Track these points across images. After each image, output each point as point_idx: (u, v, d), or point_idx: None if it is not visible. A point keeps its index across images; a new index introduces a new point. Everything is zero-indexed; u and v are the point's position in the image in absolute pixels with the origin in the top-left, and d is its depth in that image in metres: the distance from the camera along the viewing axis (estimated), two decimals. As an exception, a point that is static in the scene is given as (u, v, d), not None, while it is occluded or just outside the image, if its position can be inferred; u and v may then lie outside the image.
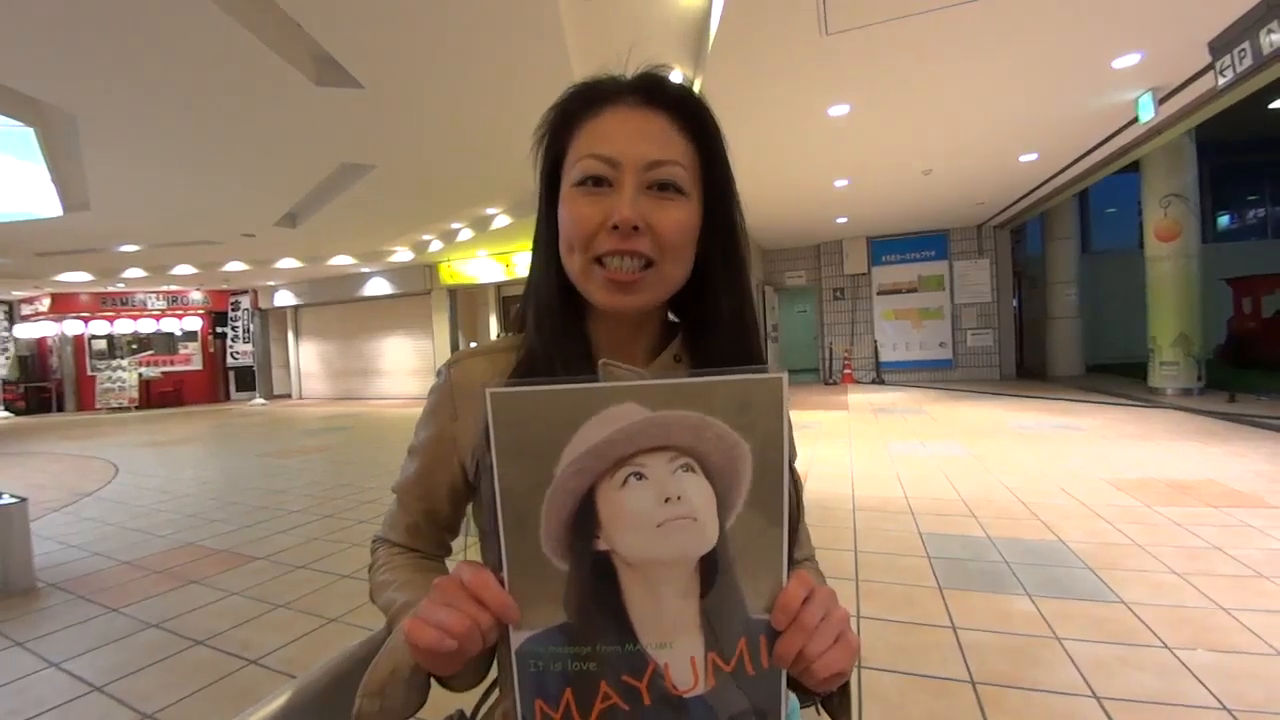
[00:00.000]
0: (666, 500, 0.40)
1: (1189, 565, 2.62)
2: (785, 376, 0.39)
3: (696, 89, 4.76)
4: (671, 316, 0.67)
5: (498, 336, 0.70)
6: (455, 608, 0.42)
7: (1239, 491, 3.65)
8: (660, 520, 0.40)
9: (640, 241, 0.54)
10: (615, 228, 0.53)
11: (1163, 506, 3.43)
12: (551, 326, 0.59)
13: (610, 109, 0.57)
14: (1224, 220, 15.62)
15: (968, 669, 1.92)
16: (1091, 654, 1.96)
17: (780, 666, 0.42)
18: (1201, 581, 2.45)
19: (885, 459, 5.07)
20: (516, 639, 0.42)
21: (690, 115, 0.57)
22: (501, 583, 0.42)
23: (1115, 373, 10.80)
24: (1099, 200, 15.21)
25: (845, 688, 0.52)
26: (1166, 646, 1.98)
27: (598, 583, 0.41)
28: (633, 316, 0.59)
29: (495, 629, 0.42)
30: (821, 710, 0.55)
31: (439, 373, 0.66)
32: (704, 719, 0.42)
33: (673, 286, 0.58)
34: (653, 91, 0.57)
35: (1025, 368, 11.95)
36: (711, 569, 0.41)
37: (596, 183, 0.54)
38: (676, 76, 0.59)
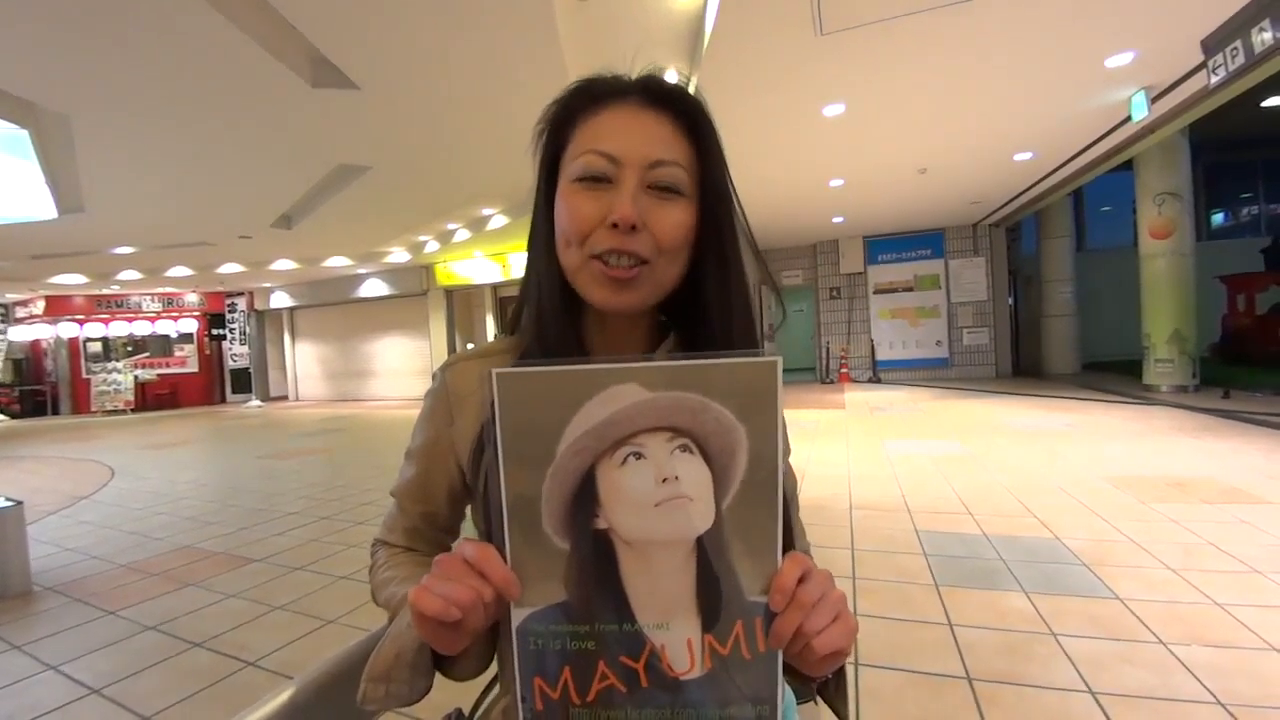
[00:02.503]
0: (664, 480, 0.41)
1: (1184, 561, 2.64)
2: (779, 360, 0.40)
3: (692, 89, 4.78)
4: (661, 317, 0.67)
5: (495, 338, 0.70)
6: (458, 580, 0.42)
7: (1234, 488, 3.67)
8: (658, 500, 0.41)
9: (638, 241, 0.54)
10: (615, 226, 0.53)
11: (1158, 503, 3.45)
12: (549, 327, 0.60)
13: (613, 106, 0.57)
14: (1218, 218, 15.70)
15: (964, 666, 1.93)
16: (1087, 650, 1.97)
17: (776, 646, 0.42)
18: (1197, 577, 2.47)
19: (882, 457, 5.08)
20: (517, 616, 0.43)
21: (690, 118, 0.58)
22: (504, 559, 0.43)
23: (1110, 370, 10.84)
24: (1094, 199, 15.29)
25: (841, 675, 0.53)
26: (1162, 642, 1.99)
27: (597, 561, 0.42)
28: (627, 316, 0.60)
29: (497, 603, 0.43)
30: (819, 700, 0.55)
31: (434, 377, 0.67)
32: (700, 702, 0.43)
33: (667, 286, 0.58)
34: (656, 93, 0.57)
35: (1021, 366, 11.98)
36: (708, 550, 0.42)
37: (596, 179, 0.55)
38: (671, 79, 0.60)
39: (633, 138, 0.55)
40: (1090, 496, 3.64)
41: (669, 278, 0.58)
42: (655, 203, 0.55)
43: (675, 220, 0.55)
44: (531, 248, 0.63)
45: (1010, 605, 2.32)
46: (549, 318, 0.60)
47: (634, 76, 0.59)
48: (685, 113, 0.58)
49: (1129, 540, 2.92)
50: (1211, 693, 1.71)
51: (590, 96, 0.58)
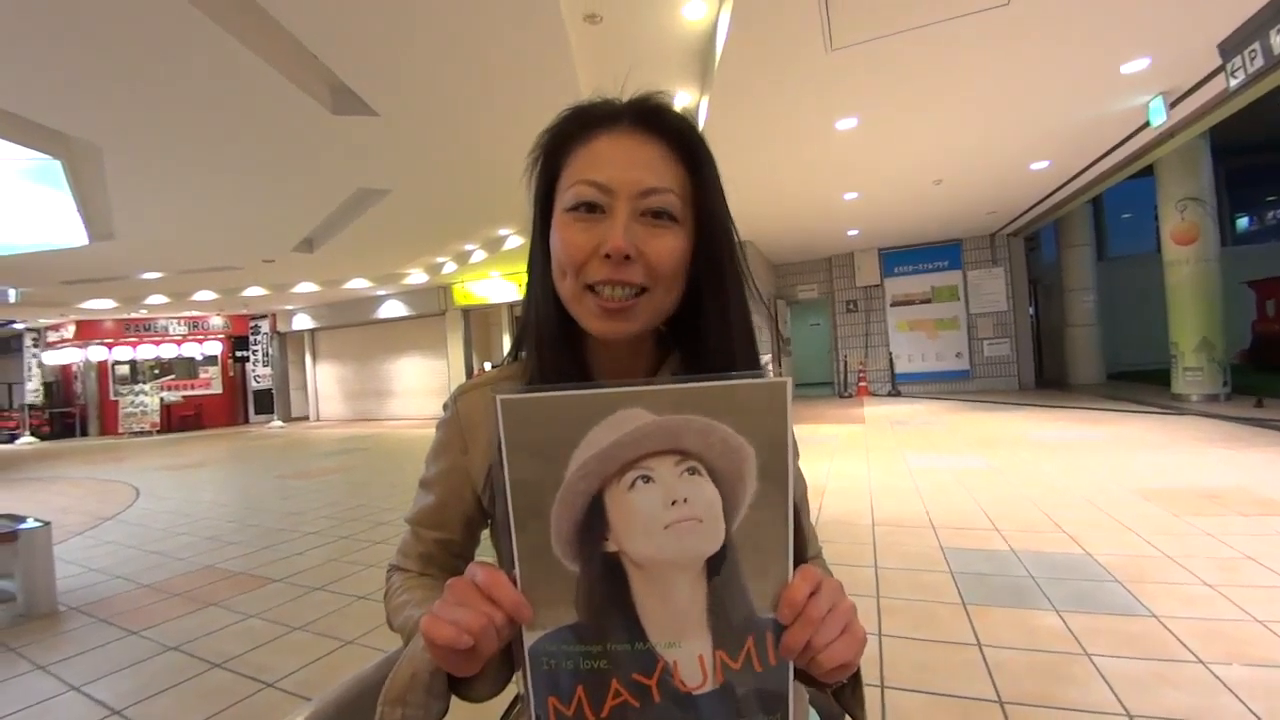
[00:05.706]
0: (673, 503, 0.41)
1: (1221, 576, 2.54)
2: (789, 381, 0.40)
3: (703, 108, 4.83)
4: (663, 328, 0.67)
5: (505, 361, 0.71)
6: (469, 606, 0.42)
7: (1271, 499, 3.55)
8: (668, 522, 0.41)
9: (632, 270, 0.54)
10: (608, 256, 0.53)
11: (1192, 516, 3.34)
12: (551, 352, 0.60)
13: (605, 134, 0.57)
14: (1243, 222, 15.39)
15: (995, 688, 1.87)
16: (1123, 670, 1.90)
17: (787, 658, 0.43)
18: (1235, 593, 2.38)
19: (904, 472, 5.00)
20: (529, 638, 0.43)
21: (684, 142, 0.58)
22: (514, 582, 0.42)
23: (1137, 380, 10.61)
24: (1114, 206, 15.07)
25: (857, 678, 0.53)
26: (1201, 661, 1.92)
27: (607, 583, 0.42)
28: (627, 341, 0.60)
29: (509, 627, 0.43)
30: (835, 702, 0.55)
31: (445, 407, 0.68)
32: (712, 716, 0.43)
33: (665, 313, 0.59)
34: (647, 118, 0.57)
35: (1044, 377, 11.77)
36: (718, 569, 0.42)
37: (589, 209, 0.55)
38: (683, 98, 0.60)
39: (624, 166, 0.55)
40: (1121, 510, 3.54)
41: (667, 303, 0.58)
42: (648, 231, 0.55)
43: (668, 248, 0.55)
44: (530, 274, 0.64)
45: (1041, 624, 2.25)
46: (547, 345, 0.60)
47: (626, 99, 0.59)
48: (678, 136, 0.58)
49: (1163, 555, 2.83)
50: (1255, 714, 1.63)
51: (581, 124, 0.58)
